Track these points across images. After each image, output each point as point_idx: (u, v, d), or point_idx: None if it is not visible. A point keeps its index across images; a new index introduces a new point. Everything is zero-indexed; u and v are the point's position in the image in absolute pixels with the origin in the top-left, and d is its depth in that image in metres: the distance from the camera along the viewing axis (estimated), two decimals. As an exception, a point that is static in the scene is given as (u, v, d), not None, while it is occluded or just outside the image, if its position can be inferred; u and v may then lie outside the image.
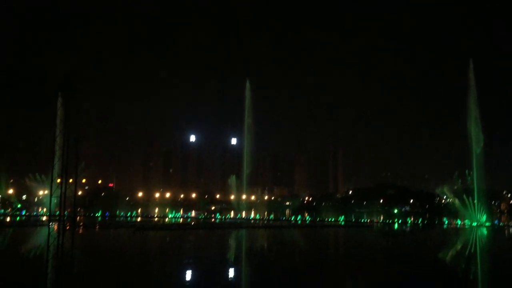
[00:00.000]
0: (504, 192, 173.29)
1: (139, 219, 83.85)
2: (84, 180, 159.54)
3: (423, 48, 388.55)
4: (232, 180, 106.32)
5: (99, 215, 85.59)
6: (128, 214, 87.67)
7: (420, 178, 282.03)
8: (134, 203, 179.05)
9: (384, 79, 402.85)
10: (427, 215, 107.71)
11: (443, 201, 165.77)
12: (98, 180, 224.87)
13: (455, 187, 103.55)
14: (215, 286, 21.52)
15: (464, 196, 77.37)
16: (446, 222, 79.99)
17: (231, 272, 26.18)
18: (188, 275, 24.74)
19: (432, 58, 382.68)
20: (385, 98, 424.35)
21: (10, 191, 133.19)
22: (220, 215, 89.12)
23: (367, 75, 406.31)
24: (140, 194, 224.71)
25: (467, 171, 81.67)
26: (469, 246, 47.96)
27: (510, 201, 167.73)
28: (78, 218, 78.70)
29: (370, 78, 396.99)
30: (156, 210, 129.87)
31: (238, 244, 46.12)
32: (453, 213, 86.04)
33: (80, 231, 54.50)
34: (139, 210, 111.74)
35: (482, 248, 46.48)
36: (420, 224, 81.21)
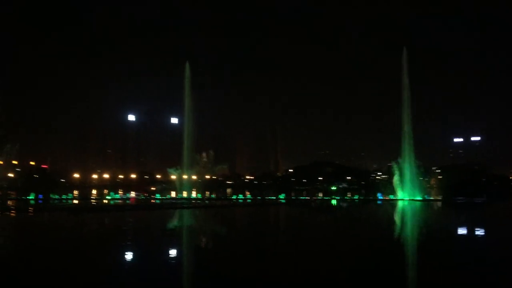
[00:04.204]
0: (433, 168, 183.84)
1: (75, 201, 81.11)
2: (15, 162, 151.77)
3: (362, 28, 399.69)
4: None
5: (32, 198, 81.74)
6: (64, 197, 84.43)
7: (357, 156, 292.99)
8: (70, 185, 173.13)
9: (321, 58, 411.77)
10: (363, 191, 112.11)
11: (378, 177, 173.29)
12: (30, 161, 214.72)
13: (389, 164, 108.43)
14: (156, 267, 21.24)
15: (397, 173, 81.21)
16: (380, 197, 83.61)
17: (171, 252, 25.94)
18: (127, 256, 24.25)
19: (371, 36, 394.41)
20: (323, 76, 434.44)
21: None
22: (160, 195, 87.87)
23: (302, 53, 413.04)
24: (76, 175, 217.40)
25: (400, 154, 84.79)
26: (395, 217, 52.71)
27: (438, 176, 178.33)
28: (9, 201, 75.17)
29: (306, 58, 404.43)
30: (94, 191, 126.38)
31: (177, 224, 45.80)
32: (387, 189, 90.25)
33: (11, 214, 52.09)
34: (75, 192, 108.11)
35: (408, 218, 50.51)
36: (357, 200, 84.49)
